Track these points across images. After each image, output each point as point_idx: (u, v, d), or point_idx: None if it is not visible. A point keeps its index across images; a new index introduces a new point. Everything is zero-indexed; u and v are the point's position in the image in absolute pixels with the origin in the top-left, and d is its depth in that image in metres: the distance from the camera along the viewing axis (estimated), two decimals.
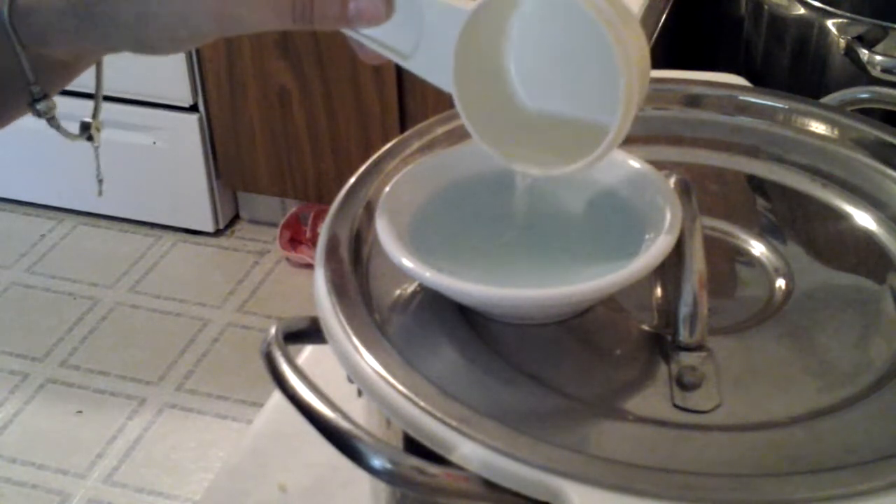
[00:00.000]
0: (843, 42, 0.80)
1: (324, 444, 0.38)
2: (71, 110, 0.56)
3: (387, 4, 0.44)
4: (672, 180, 0.45)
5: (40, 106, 0.49)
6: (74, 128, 0.52)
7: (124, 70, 1.81)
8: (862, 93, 0.66)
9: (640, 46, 0.41)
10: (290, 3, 0.44)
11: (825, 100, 0.65)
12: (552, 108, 0.45)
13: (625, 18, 0.41)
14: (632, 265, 0.42)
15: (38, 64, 0.47)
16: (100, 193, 0.59)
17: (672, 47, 0.99)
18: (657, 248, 0.42)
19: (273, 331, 0.42)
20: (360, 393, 0.42)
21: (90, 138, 0.51)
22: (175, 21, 0.44)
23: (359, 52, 0.47)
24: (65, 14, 0.45)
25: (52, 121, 0.50)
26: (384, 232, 0.44)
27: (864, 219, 0.50)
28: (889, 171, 0.51)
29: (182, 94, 2.01)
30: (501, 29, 0.44)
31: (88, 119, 0.51)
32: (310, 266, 1.94)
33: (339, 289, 0.43)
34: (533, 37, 0.44)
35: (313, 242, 2.04)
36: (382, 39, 0.45)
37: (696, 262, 0.42)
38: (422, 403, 0.38)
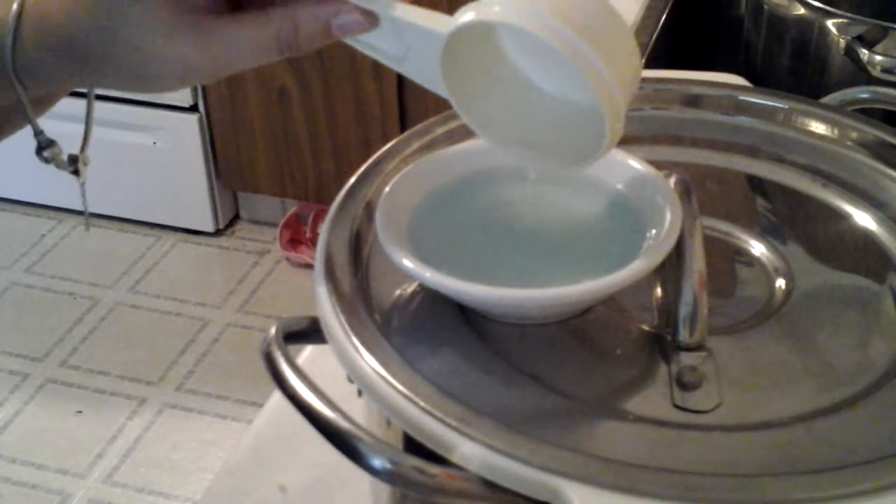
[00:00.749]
0: (843, 42, 0.80)
1: (324, 444, 0.38)
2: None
3: (369, 17, 0.44)
4: (672, 180, 0.45)
5: (47, 153, 0.50)
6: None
7: None
8: (862, 93, 0.66)
9: (616, 50, 0.40)
10: (274, 39, 0.44)
11: (825, 100, 0.65)
12: (547, 106, 0.45)
13: (587, 30, 0.40)
14: (632, 265, 0.42)
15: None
16: (86, 228, 0.61)
17: (672, 47, 0.99)
18: (657, 248, 0.42)
19: (273, 331, 0.42)
20: (360, 393, 0.42)
21: (76, 172, 0.52)
22: (168, 70, 0.45)
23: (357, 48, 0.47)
24: (65, 61, 0.46)
25: (60, 165, 0.51)
26: (384, 232, 0.44)
27: (864, 219, 0.50)
28: (889, 171, 0.51)
29: (182, 94, 2.01)
30: (487, 38, 0.44)
31: (76, 153, 0.52)
32: (310, 266, 1.94)
33: (339, 288, 0.43)
34: (519, 43, 0.44)
35: (313, 242, 2.04)
36: (374, 45, 0.45)
37: (696, 262, 0.42)
38: (422, 403, 0.38)
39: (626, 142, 0.44)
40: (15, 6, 0.45)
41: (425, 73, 0.44)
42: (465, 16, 0.41)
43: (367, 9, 0.43)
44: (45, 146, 0.50)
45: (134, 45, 0.44)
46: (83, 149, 0.52)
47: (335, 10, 0.44)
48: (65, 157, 0.51)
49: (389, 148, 0.52)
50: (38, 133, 0.50)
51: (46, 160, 0.50)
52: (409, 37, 0.43)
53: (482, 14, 0.41)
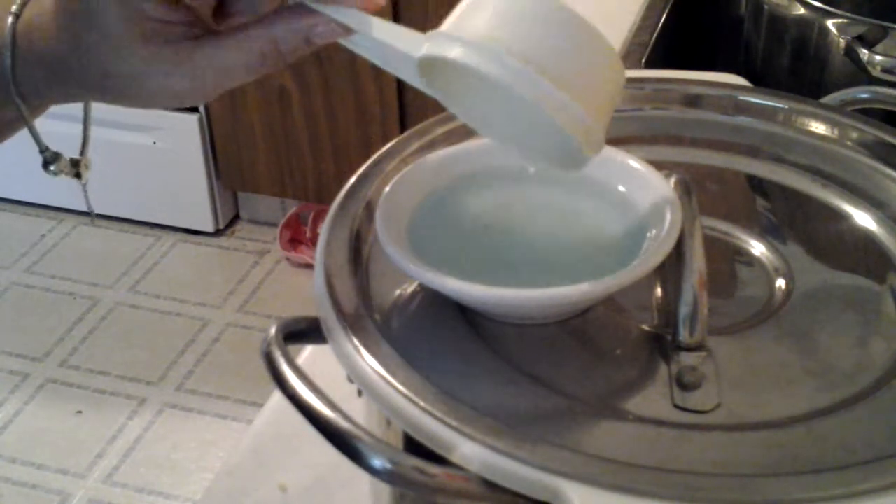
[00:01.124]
0: (843, 42, 0.80)
1: (324, 444, 0.38)
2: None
3: (346, 26, 0.44)
4: (672, 180, 0.45)
5: (53, 167, 0.51)
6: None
7: None
8: (862, 93, 0.66)
9: (584, 72, 0.40)
10: (257, 57, 0.44)
11: (825, 100, 0.65)
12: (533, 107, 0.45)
13: (547, 62, 0.39)
14: (632, 265, 0.42)
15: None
16: (92, 221, 0.62)
17: (672, 47, 0.99)
18: (657, 248, 0.42)
19: (273, 331, 0.42)
20: (360, 393, 0.42)
21: (78, 175, 0.52)
22: (157, 97, 0.46)
23: None
24: (58, 84, 0.47)
25: (68, 174, 0.52)
26: (384, 232, 0.44)
27: (864, 219, 0.50)
28: (889, 171, 0.51)
29: None
30: None
31: (77, 156, 0.53)
32: (310, 266, 1.95)
33: (338, 289, 0.43)
34: None
35: (313, 242, 2.04)
36: (357, 43, 0.45)
37: (696, 262, 0.42)
38: (422, 403, 0.38)
39: (626, 142, 0.44)
40: (8, 24, 0.46)
41: (410, 76, 0.44)
42: (424, 49, 0.41)
43: (342, 23, 0.44)
44: (51, 161, 0.51)
45: (119, 77, 0.45)
46: (83, 152, 0.53)
47: (312, 23, 0.44)
48: (68, 164, 0.52)
49: (389, 148, 0.52)
50: (43, 150, 0.50)
51: (54, 174, 0.51)
52: (386, 51, 0.44)
53: (442, 51, 0.41)
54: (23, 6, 0.46)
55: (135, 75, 0.44)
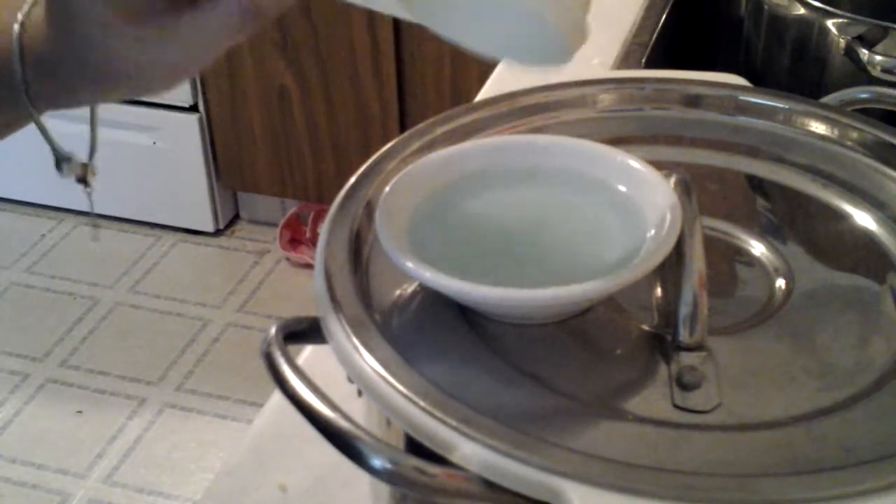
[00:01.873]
0: (843, 42, 0.80)
1: (324, 444, 0.38)
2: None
3: None
4: (672, 180, 0.45)
5: (64, 168, 0.52)
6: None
7: None
8: (862, 93, 0.66)
9: None
10: (239, 15, 0.44)
11: (825, 100, 0.65)
12: None
13: None
14: (632, 265, 0.42)
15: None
16: (93, 238, 0.62)
17: (672, 47, 0.99)
18: (657, 248, 0.42)
19: (273, 331, 0.42)
20: (360, 393, 0.42)
21: (86, 183, 0.53)
22: (156, 80, 0.47)
23: None
24: (61, 87, 0.48)
25: (77, 175, 0.53)
26: (384, 232, 0.44)
27: (864, 219, 0.50)
28: (889, 171, 0.51)
29: (182, 94, 2.01)
30: None
31: (84, 160, 0.53)
32: (310, 266, 1.95)
33: (339, 289, 0.43)
34: None
35: (313, 242, 2.04)
36: None
37: (696, 262, 0.42)
38: (422, 403, 0.38)
39: (626, 142, 0.44)
40: (15, 35, 0.46)
41: (389, 7, 0.43)
42: None
43: None
44: (63, 160, 0.51)
45: (114, 63, 0.45)
46: (91, 158, 0.53)
47: None
48: (79, 166, 0.52)
49: (389, 148, 0.52)
50: (58, 155, 0.51)
51: (65, 175, 0.52)
52: None
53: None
54: (27, 15, 0.46)
55: (129, 59, 0.45)
